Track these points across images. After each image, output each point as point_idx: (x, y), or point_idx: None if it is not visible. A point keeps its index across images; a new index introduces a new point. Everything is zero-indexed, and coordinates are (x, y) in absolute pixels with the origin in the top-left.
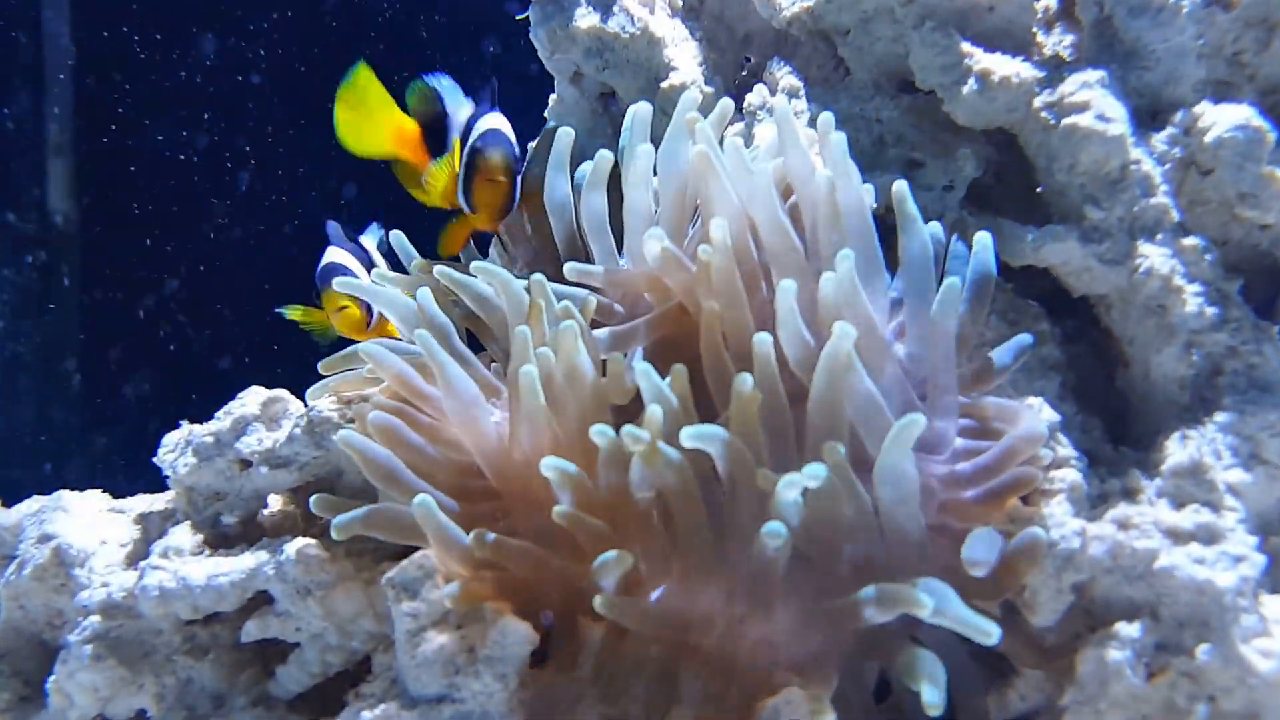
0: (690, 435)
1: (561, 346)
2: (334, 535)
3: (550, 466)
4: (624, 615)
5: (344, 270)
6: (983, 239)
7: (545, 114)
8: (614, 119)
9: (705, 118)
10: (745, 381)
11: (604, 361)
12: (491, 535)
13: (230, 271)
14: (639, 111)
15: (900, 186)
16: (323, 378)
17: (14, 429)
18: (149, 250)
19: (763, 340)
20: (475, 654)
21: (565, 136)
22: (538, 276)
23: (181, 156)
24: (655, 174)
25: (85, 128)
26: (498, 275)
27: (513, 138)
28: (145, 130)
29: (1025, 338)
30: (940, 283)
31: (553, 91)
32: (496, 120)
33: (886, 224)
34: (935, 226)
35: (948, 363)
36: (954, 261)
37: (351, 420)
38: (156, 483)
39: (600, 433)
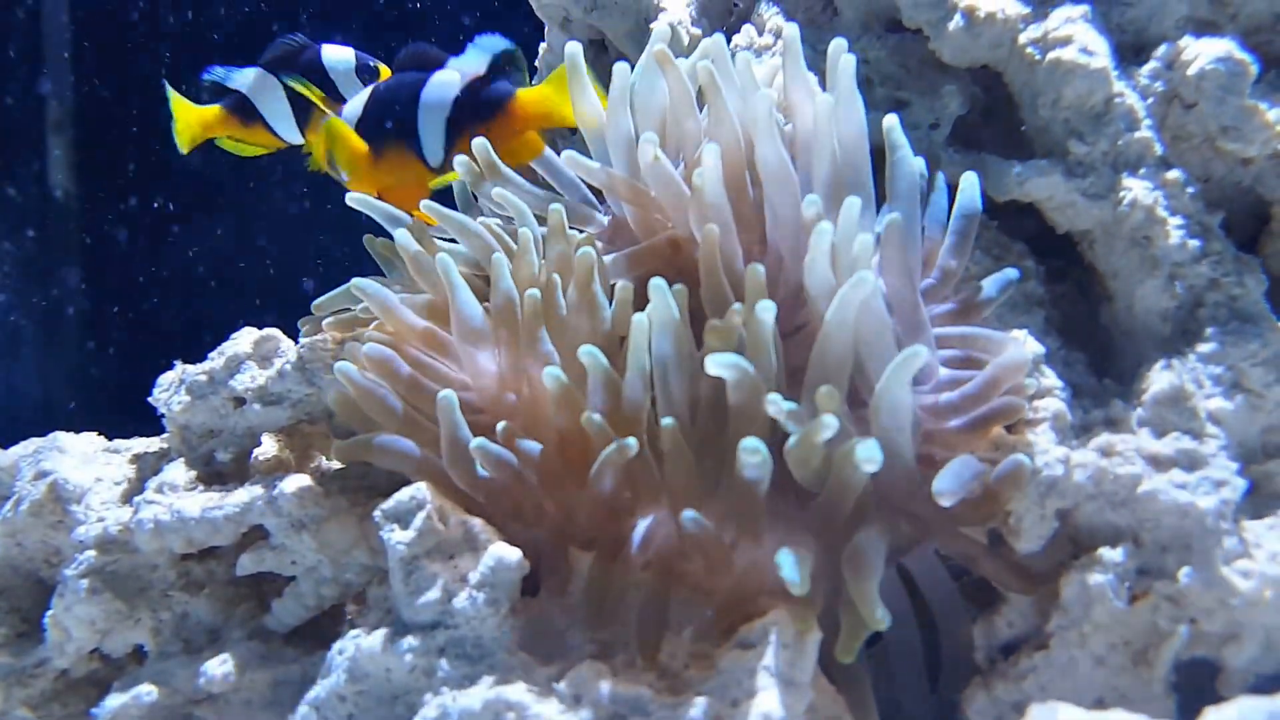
0: (715, 363)
1: (579, 275)
2: (333, 457)
3: (551, 377)
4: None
5: None
6: (969, 177)
7: (536, 63)
8: (605, 67)
9: (687, 57)
10: (767, 309)
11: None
12: (494, 447)
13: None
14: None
15: (891, 118)
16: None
17: (13, 402)
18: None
19: (756, 271)
20: (468, 581)
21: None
22: (555, 206)
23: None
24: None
25: (85, 103)
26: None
27: None
28: (145, 102)
29: (1011, 271)
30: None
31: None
32: None
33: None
34: (919, 163)
35: (913, 298)
36: (935, 195)
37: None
38: None
39: (589, 354)
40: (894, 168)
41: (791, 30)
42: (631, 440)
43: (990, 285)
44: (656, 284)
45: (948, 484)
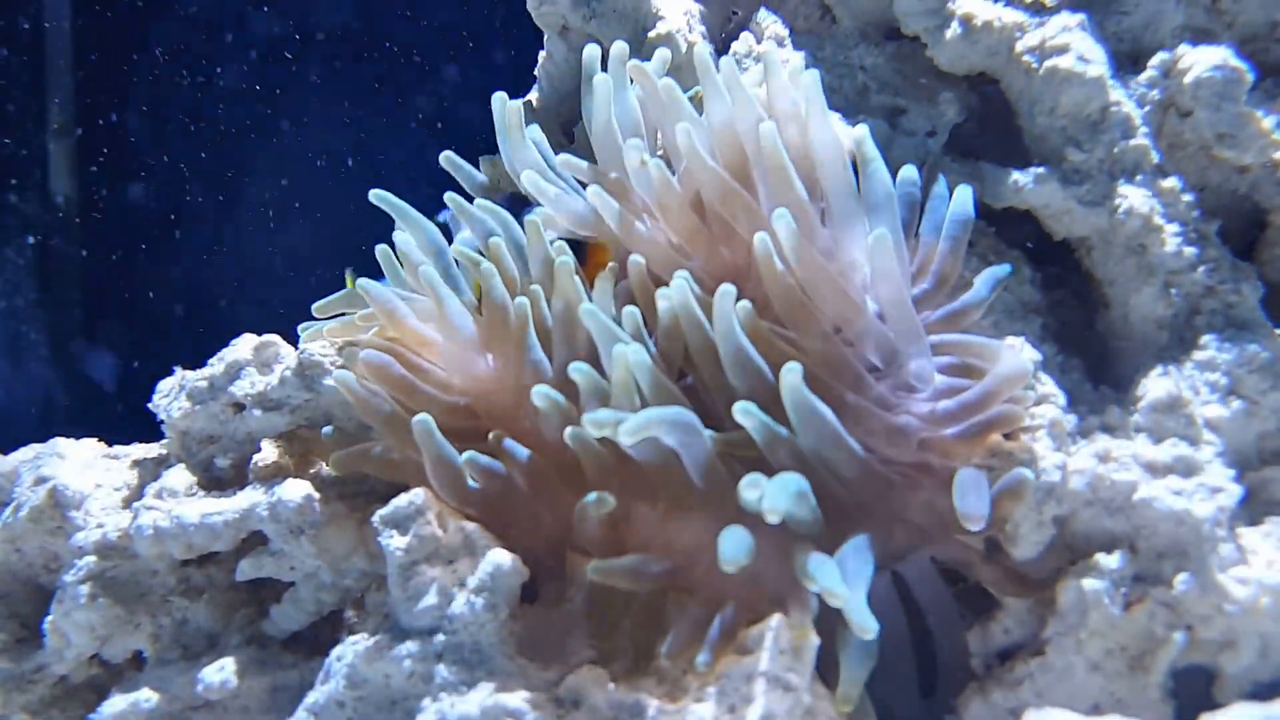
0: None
1: (559, 283)
2: (330, 469)
3: (541, 395)
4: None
5: None
6: (964, 188)
7: (535, 71)
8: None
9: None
10: (638, 352)
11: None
12: (484, 459)
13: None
14: (589, 54)
15: (861, 129)
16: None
17: (13, 408)
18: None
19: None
20: (466, 586)
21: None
22: (531, 218)
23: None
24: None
25: (87, 106)
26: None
27: None
28: (145, 109)
29: (1002, 267)
30: (911, 223)
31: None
32: None
33: None
34: (911, 170)
35: (904, 306)
36: (932, 202)
37: (343, 367)
38: None
39: (578, 370)
40: (867, 181)
41: (770, 44)
42: (610, 498)
43: (982, 283)
44: (628, 312)
45: (974, 506)
